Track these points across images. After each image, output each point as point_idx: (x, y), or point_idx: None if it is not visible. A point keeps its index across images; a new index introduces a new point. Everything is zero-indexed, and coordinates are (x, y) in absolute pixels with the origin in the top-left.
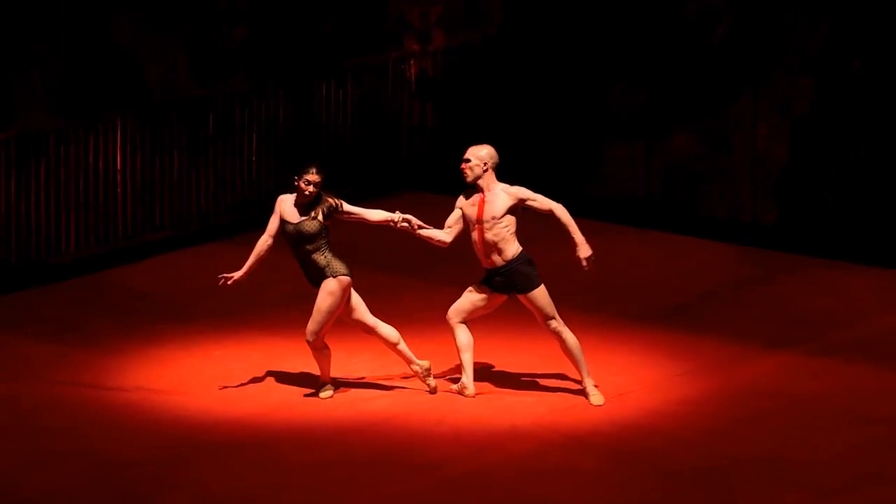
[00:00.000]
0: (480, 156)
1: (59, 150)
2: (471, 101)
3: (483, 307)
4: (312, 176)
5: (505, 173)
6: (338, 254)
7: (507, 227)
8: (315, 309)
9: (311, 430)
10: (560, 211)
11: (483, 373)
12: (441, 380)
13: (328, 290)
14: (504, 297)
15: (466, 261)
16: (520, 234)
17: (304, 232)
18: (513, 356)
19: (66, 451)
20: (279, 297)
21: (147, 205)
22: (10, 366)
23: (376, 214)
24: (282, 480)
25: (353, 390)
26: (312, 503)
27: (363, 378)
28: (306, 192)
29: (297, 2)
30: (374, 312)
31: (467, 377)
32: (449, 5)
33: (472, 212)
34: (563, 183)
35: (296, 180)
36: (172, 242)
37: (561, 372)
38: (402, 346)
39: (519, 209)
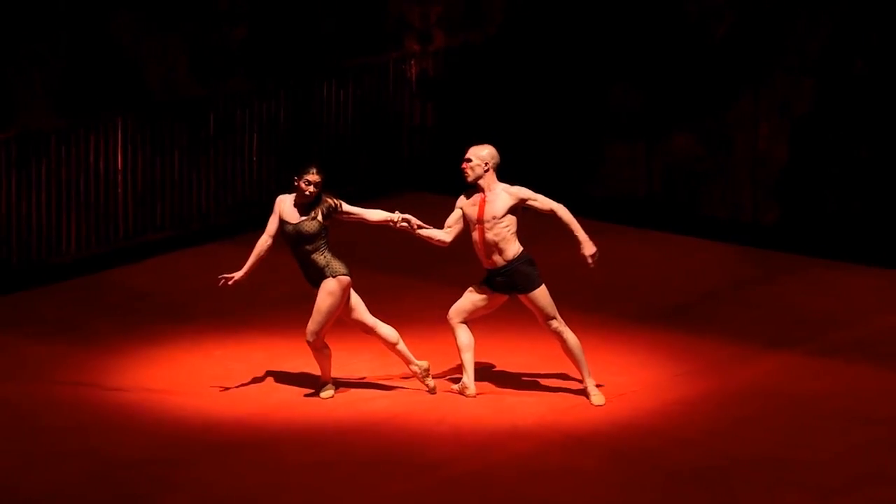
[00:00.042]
0: (482, 156)
1: (59, 150)
2: (471, 102)
3: (484, 307)
4: (313, 176)
5: (505, 173)
6: (337, 254)
7: (507, 226)
8: (315, 309)
9: (312, 430)
10: (561, 210)
11: (484, 373)
12: (442, 380)
13: (328, 290)
14: (505, 298)
15: (467, 261)
16: (520, 235)
17: (304, 232)
18: (514, 356)
19: (66, 451)
20: (279, 297)
21: (148, 205)
22: (10, 366)
23: (376, 214)
24: (282, 480)
25: (354, 390)
26: (313, 503)
27: (364, 378)
28: (307, 193)
29: (298, 2)
30: (374, 313)
31: (468, 377)
32: (449, 5)
33: (472, 212)
34: (564, 183)
35: (296, 180)
36: (173, 242)
37: (562, 372)
38: (402, 347)
39: (519, 209)
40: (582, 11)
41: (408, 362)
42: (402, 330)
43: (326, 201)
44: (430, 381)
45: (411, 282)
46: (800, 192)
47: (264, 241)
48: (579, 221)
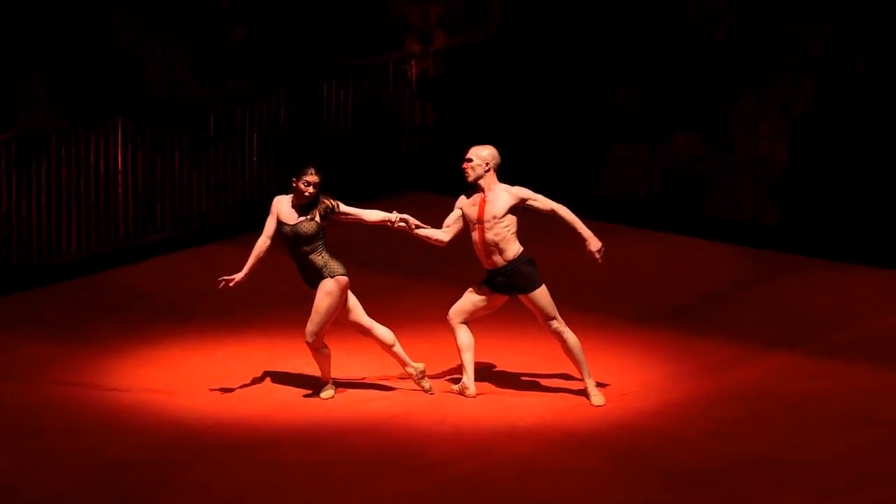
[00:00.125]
0: (482, 156)
1: (60, 150)
2: (472, 102)
3: (484, 308)
4: (312, 177)
5: (506, 174)
6: (335, 254)
7: (507, 226)
8: (314, 310)
9: (312, 431)
10: (562, 210)
11: (484, 373)
12: (442, 380)
13: (326, 291)
14: (505, 298)
15: (466, 261)
16: (520, 235)
17: (302, 233)
18: (514, 356)
19: (66, 452)
20: (279, 298)
21: (148, 205)
22: (10, 366)
23: (373, 215)
24: (282, 481)
25: (354, 391)
26: (313, 503)
27: (364, 378)
28: (306, 193)
29: (298, 2)
30: (374, 313)
31: (468, 377)
32: (449, 5)
33: (472, 212)
34: (565, 183)
35: (294, 181)
36: (173, 243)
37: (562, 372)
38: (398, 348)
39: (520, 209)
40: (583, 12)
41: (404, 364)
42: (402, 330)
43: (324, 202)
44: (426, 383)
45: (411, 282)
46: (800, 192)
47: (263, 243)
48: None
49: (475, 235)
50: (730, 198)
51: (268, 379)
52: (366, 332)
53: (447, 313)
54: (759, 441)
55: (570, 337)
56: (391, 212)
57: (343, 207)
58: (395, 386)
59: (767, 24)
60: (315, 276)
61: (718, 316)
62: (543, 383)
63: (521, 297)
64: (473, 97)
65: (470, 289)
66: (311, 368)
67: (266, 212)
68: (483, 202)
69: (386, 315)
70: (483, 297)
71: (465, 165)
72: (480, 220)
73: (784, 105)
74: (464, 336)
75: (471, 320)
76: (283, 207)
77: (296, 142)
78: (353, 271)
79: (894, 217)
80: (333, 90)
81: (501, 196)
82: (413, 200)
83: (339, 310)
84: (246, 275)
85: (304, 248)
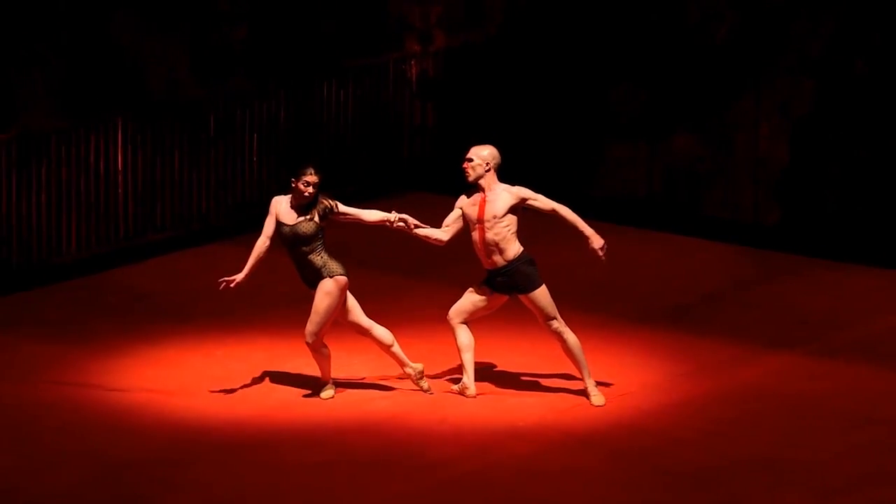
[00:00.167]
0: (483, 156)
1: (60, 150)
2: (472, 102)
3: (484, 308)
4: (311, 177)
5: (506, 174)
6: (334, 254)
7: (508, 226)
8: (313, 310)
9: (312, 431)
10: (563, 209)
11: (484, 373)
12: (442, 380)
13: (325, 291)
14: (505, 298)
15: (467, 261)
16: (520, 235)
17: (301, 233)
18: (514, 356)
19: (66, 452)
20: (279, 298)
21: (148, 205)
22: (11, 366)
23: (372, 215)
24: (282, 481)
25: (354, 391)
26: (313, 503)
27: (364, 378)
28: (305, 194)
29: (298, 2)
30: (373, 313)
31: (468, 377)
32: (449, 6)
33: (472, 211)
34: (565, 183)
35: (293, 182)
36: (173, 243)
37: (562, 372)
38: (396, 349)
39: (520, 209)
40: (583, 12)
41: (402, 364)
42: (402, 330)
43: (323, 202)
44: (425, 384)
45: (410, 282)
46: (800, 192)
47: (262, 243)
48: None
49: (475, 235)
50: (730, 198)
51: (268, 379)
52: (364, 333)
53: (447, 313)
54: (759, 441)
55: (570, 337)
56: (390, 212)
57: (342, 207)
58: (395, 386)
59: (767, 24)
60: (314, 277)
61: (718, 316)
62: (543, 383)
63: (522, 297)
64: (473, 97)
65: (470, 289)
66: (311, 368)
67: (265, 212)
68: (483, 202)
69: (386, 315)
70: (483, 297)
71: (465, 165)
72: (481, 220)
73: (784, 105)
74: (464, 336)
75: (471, 320)
76: (281, 208)
77: (296, 142)
78: (353, 271)
79: (894, 217)
80: (333, 90)
81: (502, 196)
82: (413, 200)
83: (339, 310)
84: (246, 275)
85: (303, 248)
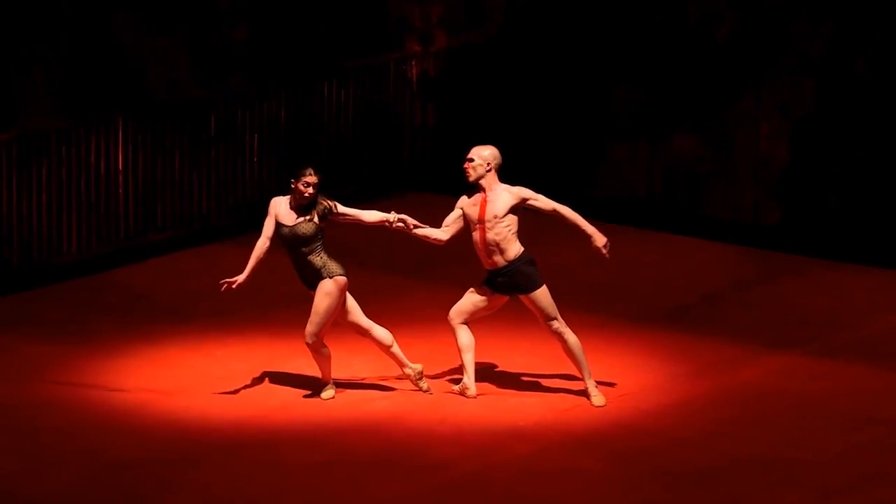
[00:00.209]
0: (484, 156)
1: (60, 150)
2: (472, 102)
3: (484, 308)
4: (311, 177)
5: (507, 174)
6: (333, 254)
7: (508, 226)
8: (313, 310)
9: (312, 431)
10: (564, 209)
11: (485, 373)
12: (442, 380)
13: (325, 291)
14: (506, 298)
15: (466, 261)
16: (520, 235)
17: (300, 234)
18: (514, 357)
19: (66, 452)
20: (280, 298)
21: (148, 205)
22: (11, 366)
23: (371, 215)
24: (282, 481)
25: (355, 391)
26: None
27: (364, 378)
28: (306, 194)
29: (299, 2)
30: (373, 313)
31: (469, 378)
32: (450, 6)
33: (473, 211)
34: (565, 183)
35: (293, 182)
36: (174, 243)
37: (562, 373)
38: (396, 349)
39: (520, 209)
40: (583, 12)
41: (402, 365)
42: (402, 330)
43: (322, 203)
44: (424, 384)
45: (411, 282)
46: (801, 192)
47: (262, 244)
48: None
49: (476, 235)
50: (730, 198)
51: (268, 379)
52: (364, 333)
53: (447, 314)
54: (760, 441)
55: (571, 337)
56: (389, 212)
57: (341, 208)
58: (395, 386)
59: (768, 25)
60: (314, 277)
61: (718, 316)
62: (544, 384)
63: (522, 298)
64: (474, 97)
65: (471, 289)
66: (311, 369)
67: (265, 212)
68: (484, 202)
69: (386, 315)
70: (484, 298)
71: (466, 165)
72: (481, 220)
73: (784, 105)
74: (464, 336)
75: (471, 321)
76: (281, 208)
77: (296, 142)
78: (353, 272)
79: (894, 217)
80: (334, 90)
81: (502, 196)
82: (414, 201)
83: (339, 310)
84: (247, 276)
85: (303, 249)
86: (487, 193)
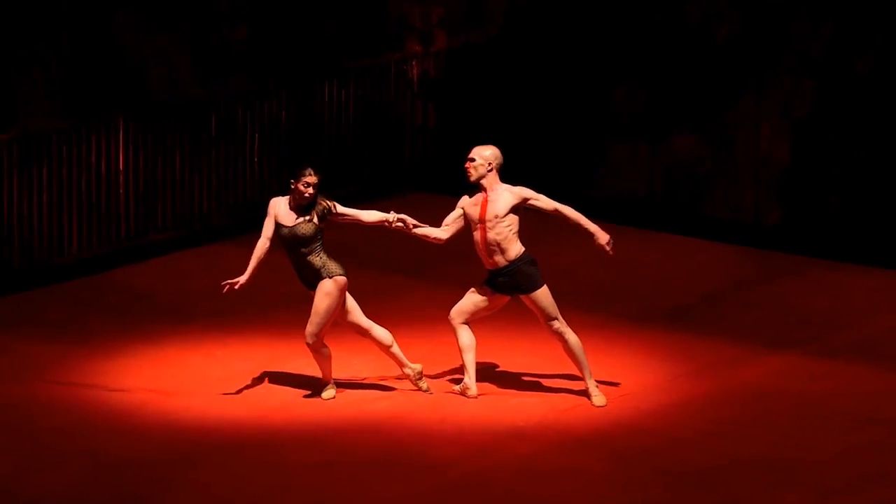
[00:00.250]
0: (485, 156)
1: (61, 150)
2: (473, 102)
3: (485, 308)
4: (311, 177)
5: (507, 174)
6: (332, 255)
7: (509, 226)
8: (313, 311)
9: (313, 431)
10: (565, 208)
11: (485, 373)
12: (443, 380)
13: (325, 291)
14: (507, 298)
15: (467, 260)
16: (521, 235)
17: (300, 234)
18: (515, 357)
19: (66, 452)
20: (280, 298)
21: (149, 205)
22: (12, 366)
23: (371, 215)
24: (283, 481)
25: (355, 391)
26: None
27: (365, 378)
28: (306, 195)
29: (299, 3)
30: (373, 313)
31: (470, 378)
32: (450, 6)
33: (474, 211)
34: (566, 183)
35: (293, 183)
36: (175, 243)
37: (563, 373)
38: (395, 349)
39: (521, 209)
40: (584, 12)
41: (401, 365)
42: (403, 330)
43: (321, 203)
44: (424, 384)
45: (411, 282)
46: (801, 192)
47: (262, 245)
48: None
49: (477, 235)
50: (730, 198)
51: (268, 379)
52: (364, 333)
53: (448, 313)
54: (760, 441)
55: (572, 337)
56: (389, 212)
57: (340, 208)
58: (396, 386)
59: (768, 25)
60: (313, 277)
61: (719, 316)
62: (545, 384)
63: (523, 298)
64: (474, 97)
65: (471, 289)
66: (312, 369)
67: (265, 213)
68: (485, 202)
69: (386, 315)
70: (485, 298)
71: (467, 165)
72: (482, 220)
73: (785, 105)
74: (465, 336)
75: (472, 321)
76: (280, 209)
77: (297, 142)
78: (353, 272)
79: (895, 217)
80: (335, 90)
81: (503, 196)
82: (414, 201)
83: (339, 310)
84: (249, 277)
85: (302, 249)
86: (488, 193)
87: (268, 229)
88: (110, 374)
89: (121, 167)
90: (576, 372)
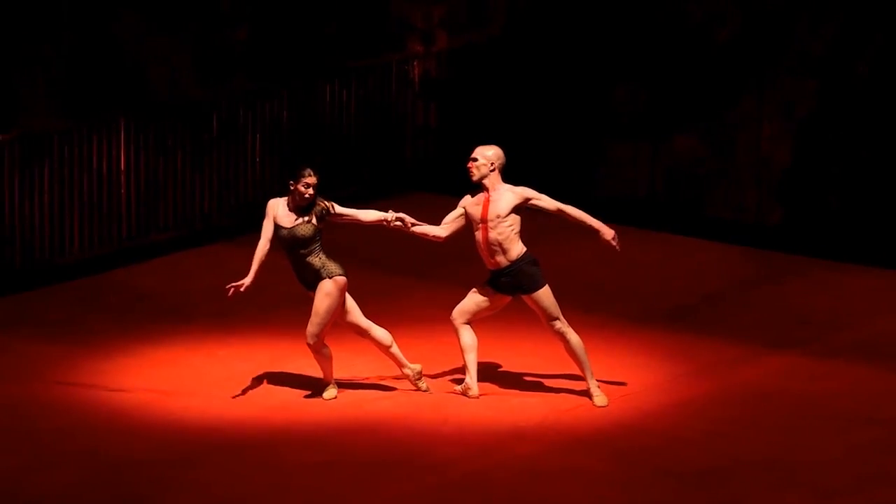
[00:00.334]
0: (487, 156)
1: (62, 150)
2: (474, 102)
3: (487, 308)
4: (311, 178)
5: (509, 174)
6: (331, 255)
7: (511, 226)
8: (314, 311)
9: (313, 431)
10: (568, 208)
11: (487, 374)
12: (444, 381)
13: (325, 292)
14: (508, 298)
15: (468, 261)
16: (522, 235)
17: (299, 236)
18: (517, 357)
19: (66, 452)
20: (281, 298)
21: (150, 206)
22: (13, 366)
23: (369, 215)
24: (284, 481)
25: (357, 391)
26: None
27: (367, 378)
28: (306, 195)
29: (301, 3)
30: (373, 313)
31: (471, 378)
32: (452, 6)
33: (476, 211)
34: (566, 183)
35: (292, 184)
36: (176, 243)
37: (564, 373)
38: (395, 349)
39: (523, 209)
40: (585, 12)
41: (401, 365)
42: (402, 330)
43: (319, 204)
44: (423, 384)
45: (411, 282)
46: (803, 193)
47: (263, 246)
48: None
49: (479, 235)
50: (732, 198)
51: (269, 379)
52: (363, 333)
53: (450, 314)
54: (760, 441)
55: (573, 337)
56: (387, 211)
57: (338, 208)
58: (397, 386)
59: (770, 25)
60: (313, 278)
61: (720, 316)
62: (546, 384)
63: (525, 298)
64: (476, 98)
65: (473, 289)
66: (313, 369)
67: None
68: (487, 201)
69: (386, 315)
70: (486, 298)
71: (469, 164)
72: (484, 220)
73: (786, 106)
74: (467, 337)
75: (474, 321)
76: (279, 210)
77: (299, 142)
78: (353, 272)
79: (895, 217)
80: (336, 91)
81: (505, 196)
82: (416, 201)
83: (339, 310)
84: (253, 279)
85: (302, 250)
86: (490, 193)
87: (267, 231)
88: (110, 374)
89: (122, 167)
90: (577, 372)
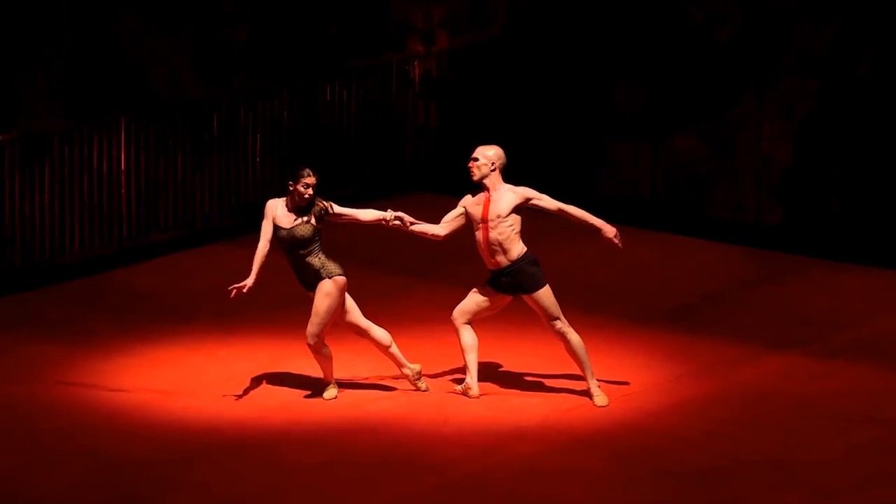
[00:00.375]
0: (488, 155)
1: (62, 150)
2: (475, 102)
3: (488, 308)
4: (310, 178)
5: (509, 174)
6: (331, 255)
7: (511, 226)
8: (313, 311)
9: (313, 431)
10: (569, 207)
11: (488, 374)
12: (445, 380)
13: (325, 292)
14: (509, 298)
15: (468, 260)
16: (523, 235)
17: (298, 236)
18: (517, 357)
19: (66, 452)
20: (281, 298)
21: (151, 206)
22: (14, 367)
23: (368, 214)
24: (283, 481)
25: (357, 391)
26: None
27: (367, 378)
28: (305, 196)
29: (301, 3)
30: (373, 313)
31: (472, 378)
32: (452, 6)
33: (476, 210)
34: (567, 183)
35: (292, 185)
36: (176, 243)
37: (565, 373)
38: (394, 349)
39: (524, 209)
40: (585, 12)
41: (400, 365)
42: (402, 330)
43: (318, 204)
44: (422, 384)
45: (411, 282)
46: (803, 193)
47: (263, 247)
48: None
49: (479, 235)
50: (732, 198)
51: (269, 379)
52: (362, 333)
53: (450, 314)
54: (761, 441)
55: (574, 337)
56: (386, 210)
57: (337, 208)
58: (397, 386)
59: (770, 25)
60: (313, 278)
61: (720, 316)
62: (547, 384)
63: (525, 298)
64: (476, 98)
65: (474, 289)
66: (313, 369)
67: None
68: (488, 201)
69: (386, 315)
70: (487, 298)
71: (470, 164)
72: (484, 220)
73: (787, 106)
74: (467, 336)
75: (475, 321)
76: (278, 211)
77: (299, 142)
78: (353, 272)
79: (895, 217)
80: (336, 91)
81: (506, 195)
82: (417, 201)
83: (339, 310)
84: (254, 280)
85: (301, 251)
86: (491, 193)
87: (267, 231)
88: (110, 374)
89: (122, 167)
90: (577, 372)
